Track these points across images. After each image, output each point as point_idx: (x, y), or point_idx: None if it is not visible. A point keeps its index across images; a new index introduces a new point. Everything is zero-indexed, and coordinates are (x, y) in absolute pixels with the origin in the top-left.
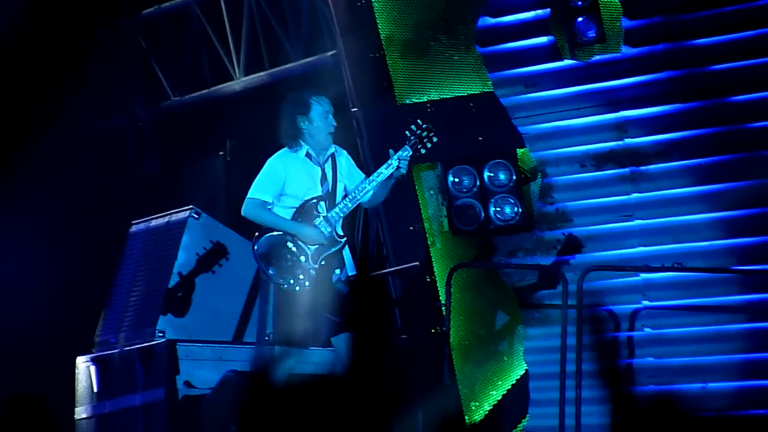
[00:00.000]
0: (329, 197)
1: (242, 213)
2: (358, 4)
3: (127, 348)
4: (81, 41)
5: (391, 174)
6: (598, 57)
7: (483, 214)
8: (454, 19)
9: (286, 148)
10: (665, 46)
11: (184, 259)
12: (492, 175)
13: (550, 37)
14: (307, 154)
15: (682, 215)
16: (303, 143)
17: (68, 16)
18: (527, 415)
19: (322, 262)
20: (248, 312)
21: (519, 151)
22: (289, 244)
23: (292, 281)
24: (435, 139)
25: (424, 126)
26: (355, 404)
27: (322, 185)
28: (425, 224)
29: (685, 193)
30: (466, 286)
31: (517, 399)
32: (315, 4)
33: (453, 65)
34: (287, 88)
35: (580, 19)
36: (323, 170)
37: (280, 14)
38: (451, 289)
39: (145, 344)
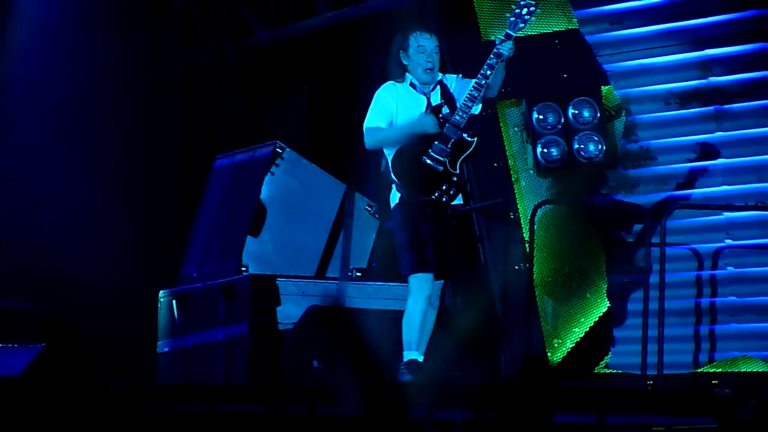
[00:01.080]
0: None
1: (366, 147)
2: None
3: (210, 282)
4: None
5: (498, 58)
6: None
7: (567, 151)
8: None
9: (392, 81)
10: None
11: (267, 194)
12: (576, 112)
13: None
14: (411, 84)
15: (766, 155)
16: (408, 75)
17: None
18: (610, 353)
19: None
20: (331, 247)
21: (603, 88)
22: (425, 158)
23: (437, 194)
24: (534, 13)
25: (522, 3)
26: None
27: (427, 110)
28: (509, 161)
29: None
30: (549, 224)
31: (600, 336)
32: None
33: (538, 1)
34: (371, 23)
35: None
36: (429, 99)
37: None
38: (535, 227)
39: (227, 279)
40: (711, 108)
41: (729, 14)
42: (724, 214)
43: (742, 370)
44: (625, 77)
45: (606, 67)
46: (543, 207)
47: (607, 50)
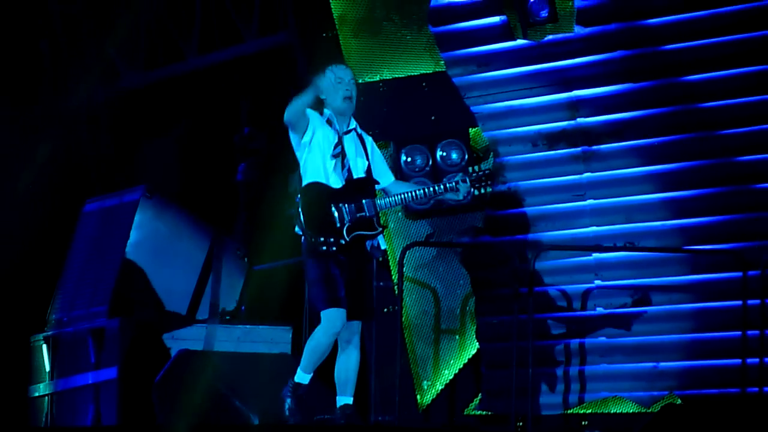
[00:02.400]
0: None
1: (285, 117)
2: None
3: (80, 326)
4: (36, 22)
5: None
6: (550, 36)
7: None
8: None
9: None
10: (617, 25)
11: (136, 238)
12: (444, 154)
13: (503, 17)
14: (329, 120)
15: (634, 195)
16: (325, 110)
17: None
18: (480, 395)
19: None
20: (200, 291)
21: (471, 130)
22: (333, 206)
23: (322, 240)
24: (490, 189)
25: (487, 172)
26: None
27: (334, 148)
28: None
29: (637, 173)
30: (418, 266)
31: (470, 378)
32: None
33: (406, 44)
34: (240, 67)
35: None
36: (341, 139)
37: None
38: (404, 269)
39: (98, 323)
40: (579, 149)
41: (597, 55)
42: (593, 254)
43: (612, 411)
44: (493, 119)
45: (474, 108)
46: (412, 249)
47: (474, 92)
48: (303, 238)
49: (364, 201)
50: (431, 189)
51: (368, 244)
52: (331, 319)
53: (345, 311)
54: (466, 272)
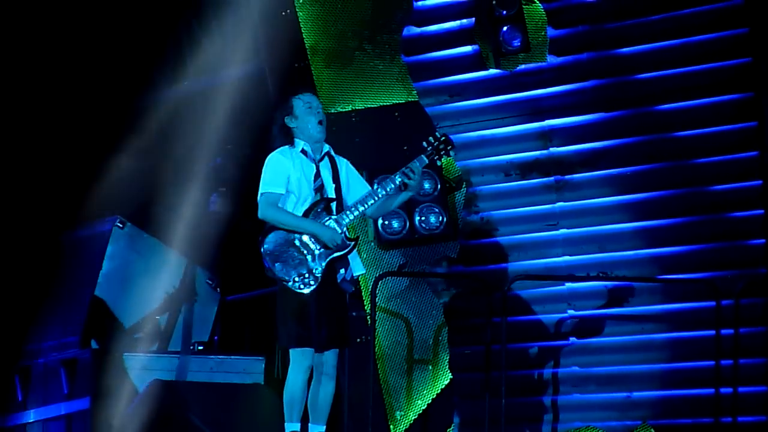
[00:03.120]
0: (325, 198)
1: (259, 216)
2: (283, 13)
3: (52, 357)
4: None
5: (400, 184)
6: (523, 66)
7: (408, 224)
8: (379, 29)
9: (284, 147)
10: (590, 55)
11: (108, 269)
12: None
13: (475, 47)
14: (303, 150)
15: (607, 224)
16: (297, 140)
17: None
18: (453, 425)
19: (328, 263)
20: (173, 320)
21: (444, 160)
22: (297, 243)
23: (297, 279)
24: (452, 153)
25: (441, 138)
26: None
27: (314, 181)
28: (350, 233)
29: (609, 202)
30: (391, 296)
31: (443, 409)
32: (239, 15)
33: (378, 74)
34: (211, 97)
35: (505, 28)
36: (318, 168)
37: (205, 24)
38: (376, 299)
39: (70, 353)
40: (551, 178)
41: (569, 85)
42: (566, 284)
43: None
44: (465, 148)
45: None
46: (384, 279)
47: (447, 121)
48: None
49: (326, 223)
50: (388, 183)
51: (339, 276)
52: (299, 356)
53: (312, 349)
54: (439, 302)
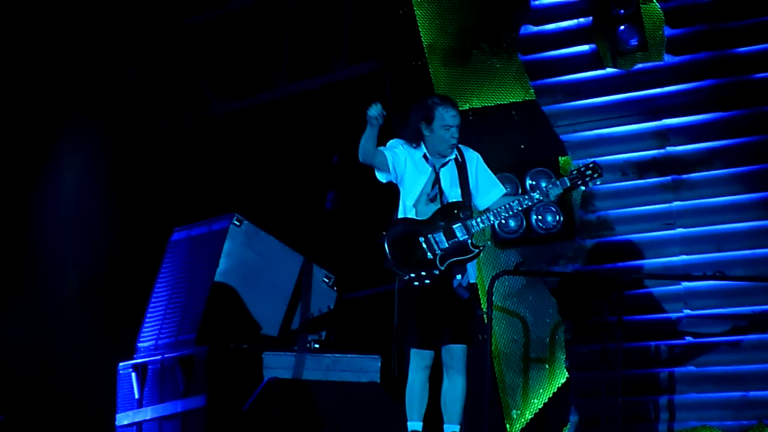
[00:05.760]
0: (450, 203)
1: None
2: (401, 12)
3: (168, 355)
4: (125, 47)
5: (537, 200)
6: (639, 65)
7: (525, 223)
8: (497, 27)
9: (407, 141)
10: (707, 54)
11: (226, 267)
12: (534, 182)
13: (592, 46)
14: (425, 156)
15: (724, 223)
16: (423, 144)
17: (112, 23)
18: (569, 424)
19: (447, 265)
20: (289, 319)
21: (561, 159)
22: (421, 239)
23: (413, 275)
24: (599, 181)
25: (591, 165)
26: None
27: (432, 190)
28: None
29: (726, 202)
30: (507, 294)
31: (559, 408)
32: (357, 14)
33: (495, 73)
34: (328, 95)
35: (622, 27)
36: (438, 174)
37: (322, 23)
38: (493, 297)
39: (186, 351)
40: (669, 177)
41: (686, 84)
42: (683, 283)
43: None
44: (582, 147)
45: (563, 137)
46: (501, 278)
47: (563, 120)
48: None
49: (454, 226)
50: (525, 199)
51: (455, 282)
52: (418, 355)
53: (432, 351)
54: (555, 301)
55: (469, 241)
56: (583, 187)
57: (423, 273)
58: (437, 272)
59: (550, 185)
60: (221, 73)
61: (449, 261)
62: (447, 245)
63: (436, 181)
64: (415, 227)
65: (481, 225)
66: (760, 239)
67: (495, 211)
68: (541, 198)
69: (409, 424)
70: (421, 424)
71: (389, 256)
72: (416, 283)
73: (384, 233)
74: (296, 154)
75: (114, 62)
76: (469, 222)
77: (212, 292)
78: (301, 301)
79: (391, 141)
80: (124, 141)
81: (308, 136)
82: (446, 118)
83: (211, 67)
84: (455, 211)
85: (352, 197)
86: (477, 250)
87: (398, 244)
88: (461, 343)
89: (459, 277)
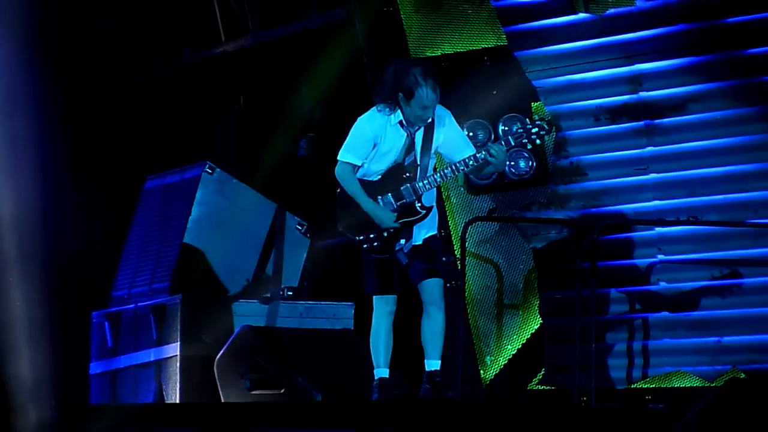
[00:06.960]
0: (413, 167)
1: (335, 174)
2: None
3: (142, 303)
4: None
5: (483, 160)
6: (612, 10)
7: None
8: None
9: (377, 109)
10: None
11: (198, 214)
12: (506, 128)
13: None
14: (400, 123)
15: (697, 168)
16: (399, 112)
17: None
18: (543, 370)
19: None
20: (262, 267)
21: (533, 104)
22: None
23: (362, 238)
24: (547, 138)
25: (538, 122)
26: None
27: (407, 154)
28: None
29: (699, 146)
30: (480, 241)
31: (533, 353)
32: None
33: (467, 18)
34: (301, 42)
35: None
36: (413, 138)
37: None
38: (466, 244)
39: (159, 299)
40: (641, 123)
41: (659, 28)
42: (656, 228)
43: (676, 385)
44: (554, 93)
45: (535, 83)
46: (474, 224)
47: (536, 66)
48: None
49: (402, 188)
50: (471, 159)
51: (397, 245)
52: (380, 300)
53: (395, 296)
54: (529, 247)
55: (417, 202)
56: (530, 146)
57: (372, 235)
58: (386, 234)
59: (494, 147)
60: (193, 22)
61: (401, 221)
62: (395, 207)
63: (411, 146)
64: (364, 189)
65: (428, 186)
66: (734, 184)
67: (442, 172)
68: (485, 158)
69: (375, 371)
70: (387, 370)
71: (338, 219)
72: (365, 246)
73: (336, 194)
74: (269, 101)
75: (87, 16)
76: (417, 184)
77: (185, 240)
78: (275, 249)
79: (361, 127)
80: (99, 93)
81: (280, 83)
82: (425, 99)
83: (183, 16)
84: (401, 172)
85: (326, 144)
86: (424, 212)
87: (347, 207)
88: (434, 278)
89: (402, 242)
